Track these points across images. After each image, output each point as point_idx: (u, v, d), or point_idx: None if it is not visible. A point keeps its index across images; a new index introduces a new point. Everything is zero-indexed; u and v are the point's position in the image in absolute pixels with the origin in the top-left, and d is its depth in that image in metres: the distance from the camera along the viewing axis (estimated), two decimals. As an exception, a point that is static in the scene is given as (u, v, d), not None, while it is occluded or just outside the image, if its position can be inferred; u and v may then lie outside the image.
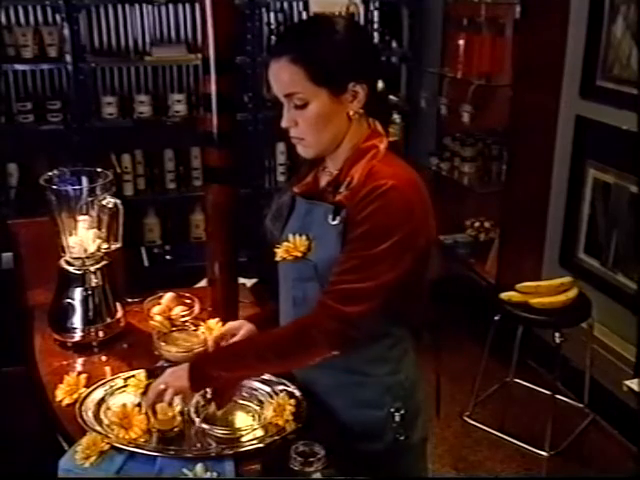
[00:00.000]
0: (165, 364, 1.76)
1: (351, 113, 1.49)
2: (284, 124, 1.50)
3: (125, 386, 1.64)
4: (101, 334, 1.90)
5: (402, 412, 1.57)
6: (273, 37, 3.98)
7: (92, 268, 1.89)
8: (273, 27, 4.00)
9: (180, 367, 1.53)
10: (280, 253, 1.55)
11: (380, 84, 1.55)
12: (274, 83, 1.48)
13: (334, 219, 1.47)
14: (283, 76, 1.45)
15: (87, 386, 1.65)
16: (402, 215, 1.43)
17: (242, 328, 1.72)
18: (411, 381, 1.62)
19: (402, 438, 1.58)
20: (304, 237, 1.52)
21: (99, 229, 1.89)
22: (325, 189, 1.55)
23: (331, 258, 1.47)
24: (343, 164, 1.51)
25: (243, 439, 1.48)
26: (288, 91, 1.46)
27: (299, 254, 1.52)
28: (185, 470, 1.39)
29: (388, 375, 1.58)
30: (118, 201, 1.86)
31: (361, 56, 1.50)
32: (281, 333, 1.54)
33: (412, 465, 1.67)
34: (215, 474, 1.38)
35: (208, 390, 1.57)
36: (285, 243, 1.54)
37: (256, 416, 1.56)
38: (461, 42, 3.80)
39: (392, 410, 1.57)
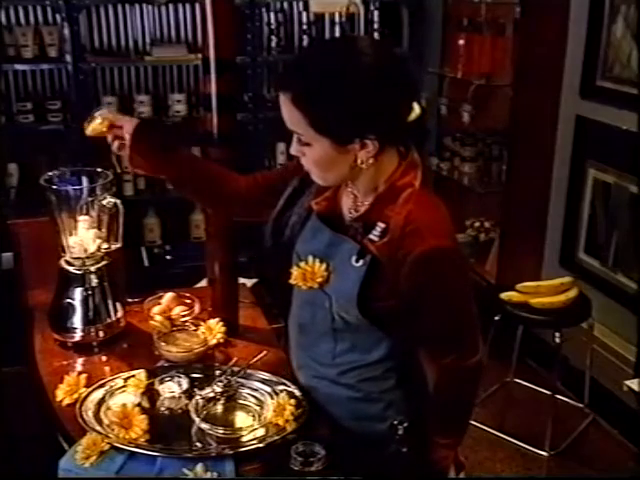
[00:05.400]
0: (165, 364, 1.76)
1: (359, 162, 1.34)
2: (292, 152, 1.41)
3: (125, 386, 1.64)
4: (101, 334, 1.89)
5: (405, 425, 1.48)
6: (273, 37, 3.98)
7: (92, 268, 1.89)
8: (273, 27, 4.00)
9: None
10: (296, 278, 1.47)
11: (417, 108, 1.37)
12: (282, 113, 1.37)
13: (357, 261, 1.38)
14: (285, 113, 1.35)
15: (87, 386, 1.65)
16: (460, 272, 1.44)
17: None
18: (416, 393, 1.53)
19: (405, 450, 1.49)
20: (324, 266, 1.43)
21: (99, 229, 1.88)
22: (351, 224, 1.44)
23: (347, 296, 1.40)
24: (374, 200, 1.40)
25: (243, 439, 1.48)
26: (291, 128, 1.36)
27: (315, 285, 1.44)
28: (185, 470, 1.39)
29: (390, 391, 1.52)
30: (118, 201, 1.86)
31: (375, 111, 1.30)
32: None
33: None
34: (215, 474, 1.38)
35: (209, 389, 1.57)
36: (302, 265, 1.45)
37: (256, 416, 1.55)
38: (461, 42, 3.81)
39: (395, 423, 1.49)
